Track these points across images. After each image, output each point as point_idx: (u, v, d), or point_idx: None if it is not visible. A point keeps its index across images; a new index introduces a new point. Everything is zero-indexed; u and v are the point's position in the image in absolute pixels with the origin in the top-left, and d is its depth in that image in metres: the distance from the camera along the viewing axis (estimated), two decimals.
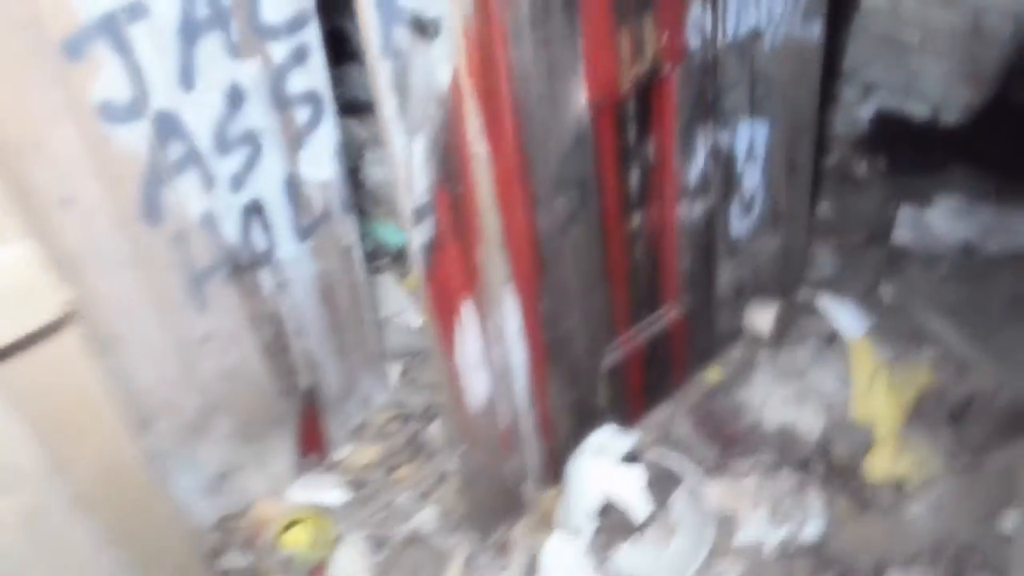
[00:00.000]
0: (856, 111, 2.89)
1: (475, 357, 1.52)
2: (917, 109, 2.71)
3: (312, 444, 1.84)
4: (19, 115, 1.11)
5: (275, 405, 1.71)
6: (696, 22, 1.60)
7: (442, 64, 1.23)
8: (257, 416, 1.68)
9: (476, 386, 1.54)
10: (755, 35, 1.75)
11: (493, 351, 1.55)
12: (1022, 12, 2.38)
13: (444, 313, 1.43)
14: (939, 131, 2.66)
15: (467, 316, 1.47)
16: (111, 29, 1.13)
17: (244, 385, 1.63)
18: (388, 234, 2.39)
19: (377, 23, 1.13)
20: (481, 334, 1.51)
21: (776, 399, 1.99)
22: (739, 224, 1.99)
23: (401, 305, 2.20)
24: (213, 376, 1.57)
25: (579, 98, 1.47)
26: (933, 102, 2.66)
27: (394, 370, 2.05)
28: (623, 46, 1.50)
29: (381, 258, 2.35)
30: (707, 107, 1.74)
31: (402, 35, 1.17)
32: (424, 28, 1.18)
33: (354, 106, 2.42)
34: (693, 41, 1.62)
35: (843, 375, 2.02)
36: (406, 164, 1.25)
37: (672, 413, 1.99)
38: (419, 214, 1.31)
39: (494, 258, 1.46)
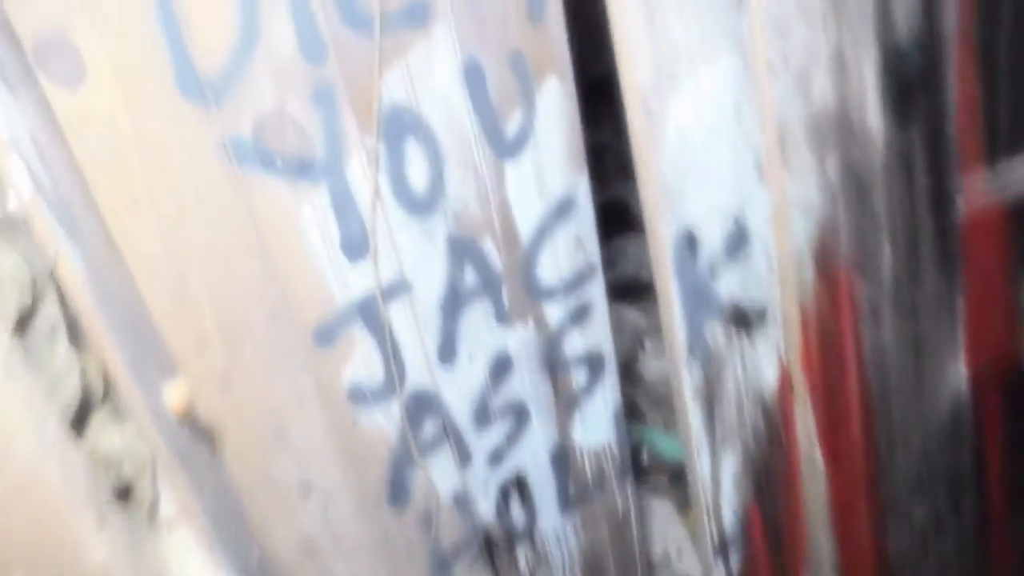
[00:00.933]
0: None
1: None
2: None
3: None
4: (266, 405, 0.99)
5: None
6: None
7: (767, 359, 0.91)
8: None
9: None
10: None
11: None
12: None
13: None
14: None
15: None
16: (368, 311, 0.98)
17: None
18: (667, 446, 2.03)
19: (684, 319, 0.85)
20: None
21: None
22: None
23: (679, 544, 1.82)
24: None
25: (956, 373, 1.06)
26: None
27: None
28: (1023, 298, 1.07)
29: (657, 473, 1.99)
30: None
31: (715, 330, 0.87)
32: (746, 319, 0.87)
33: (629, 287, 2.13)
34: None
35: None
36: (711, 485, 0.93)
37: None
38: (724, 545, 0.97)
39: None
